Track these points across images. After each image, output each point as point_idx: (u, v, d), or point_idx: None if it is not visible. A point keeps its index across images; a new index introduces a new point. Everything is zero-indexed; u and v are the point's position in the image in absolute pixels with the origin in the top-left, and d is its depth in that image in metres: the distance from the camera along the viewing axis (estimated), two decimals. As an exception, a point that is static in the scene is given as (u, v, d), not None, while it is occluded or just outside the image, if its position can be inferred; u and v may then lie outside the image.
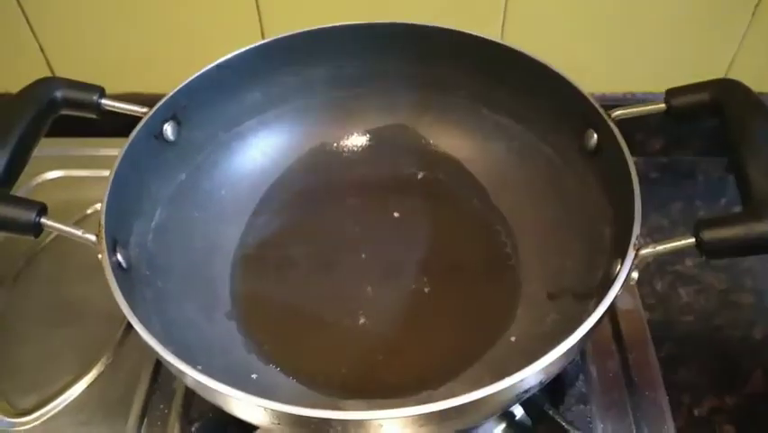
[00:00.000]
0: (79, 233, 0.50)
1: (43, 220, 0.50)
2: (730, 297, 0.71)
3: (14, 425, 0.59)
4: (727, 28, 0.76)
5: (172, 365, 0.44)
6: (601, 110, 0.57)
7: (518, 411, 0.59)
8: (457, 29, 0.64)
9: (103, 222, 0.50)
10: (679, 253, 0.73)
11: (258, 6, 0.76)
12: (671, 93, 0.56)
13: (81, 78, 0.58)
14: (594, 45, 0.78)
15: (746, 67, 0.78)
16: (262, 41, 0.65)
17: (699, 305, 0.70)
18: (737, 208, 0.76)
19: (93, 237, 0.50)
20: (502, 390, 0.42)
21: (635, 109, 0.57)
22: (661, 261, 0.74)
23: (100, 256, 0.49)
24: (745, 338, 0.68)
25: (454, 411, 0.42)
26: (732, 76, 0.77)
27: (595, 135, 0.59)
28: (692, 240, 0.47)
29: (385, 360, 0.59)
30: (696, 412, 0.62)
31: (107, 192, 0.52)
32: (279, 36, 0.65)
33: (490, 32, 0.75)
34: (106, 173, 0.54)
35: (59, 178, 0.79)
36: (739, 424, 0.62)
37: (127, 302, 0.47)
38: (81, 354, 0.63)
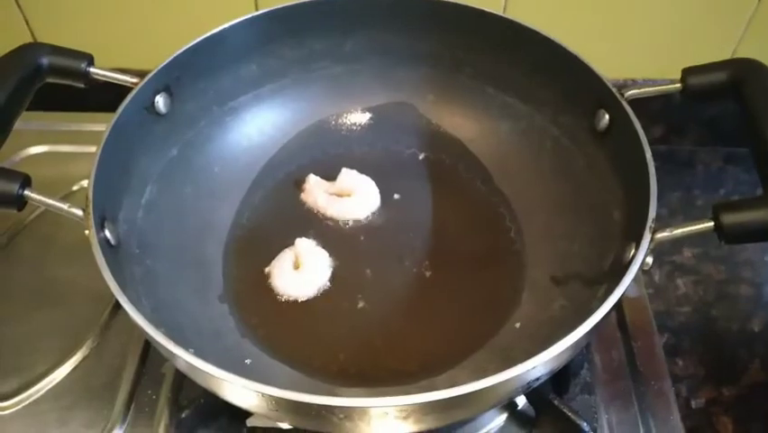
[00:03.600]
0: (65, 207, 0.48)
1: (27, 192, 0.47)
2: (728, 288, 0.70)
3: (-6, 409, 0.57)
4: (733, 13, 0.74)
5: (163, 347, 0.42)
6: (614, 89, 0.55)
7: (521, 401, 0.57)
8: (465, 3, 0.62)
9: (90, 196, 0.48)
10: (677, 243, 0.73)
11: (253, -23, 0.73)
12: (687, 72, 0.54)
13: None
14: (594, 31, 0.76)
15: (752, 52, 0.76)
16: (258, 12, 0.62)
17: (698, 296, 0.69)
18: (736, 198, 0.77)
19: (80, 212, 0.47)
20: (510, 378, 0.40)
21: (649, 89, 0.56)
22: (659, 251, 0.73)
23: (87, 232, 0.47)
24: (743, 330, 0.67)
25: (460, 400, 0.40)
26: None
27: (606, 116, 0.57)
28: (711, 224, 0.46)
29: (384, 346, 0.57)
30: (693, 404, 0.62)
31: (95, 165, 0.50)
32: (275, 7, 0.63)
33: (494, 7, 0.73)
34: (94, 149, 0.51)
35: (44, 153, 0.76)
36: (737, 415, 0.61)
37: (116, 280, 0.44)
38: (65, 337, 0.61)
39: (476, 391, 0.39)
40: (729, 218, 0.45)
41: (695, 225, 0.46)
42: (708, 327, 0.67)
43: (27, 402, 0.57)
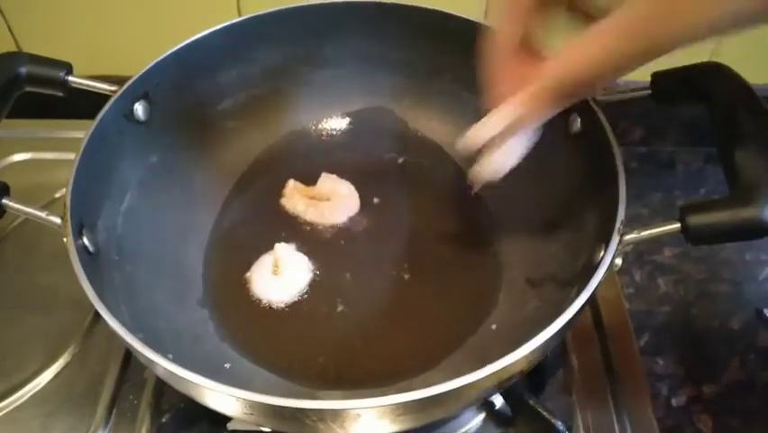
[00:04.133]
0: (43, 215, 0.48)
1: (5, 201, 0.48)
2: (708, 287, 0.71)
3: (-25, 416, 0.57)
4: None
5: (141, 354, 0.42)
6: (586, 94, 0.56)
7: (498, 401, 0.58)
8: (441, 9, 0.63)
9: (68, 203, 0.48)
10: (658, 243, 0.74)
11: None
12: (656, 76, 0.55)
13: (49, 56, 0.56)
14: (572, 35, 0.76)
15: (730, 54, 0.77)
16: (237, 19, 0.63)
17: (678, 295, 0.70)
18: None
19: (58, 220, 0.48)
20: (482, 378, 0.41)
21: (619, 94, 0.56)
22: (640, 250, 0.74)
23: (65, 240, 0.47)
24: (723, 328, 0.68)
25: (433, 400, 0.40)
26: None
27: (579, 119, 0.58)
28: (677, 225, 0.46)
29: (363, 348, 0.57)
30: (674, 402, 0.62)
31: (73, 173, 0.50)
32: (255, 14, 0.63)
33: (473, 13, 0.73)
34: (75, 156, 0.52)
35: (26, 160, 0.76)
36: (716, 414, 0.62)
37: (94, 288, 0.45)
38: (47, 344, 0.61)
39: (448, 391, 0.40)
40: (695, 219, 0.46)
41: (662, 226, 0.47)
42: (688, 326, 0.68)
43: (9, 409, 0.57)
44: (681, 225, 0.46)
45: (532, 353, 0.42)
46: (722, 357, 0.65)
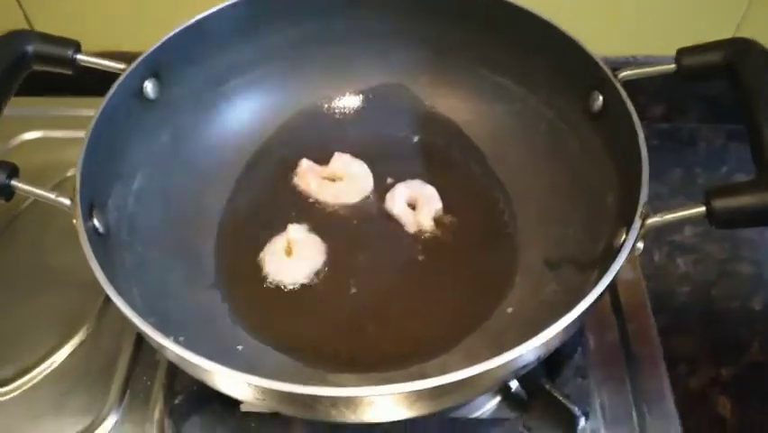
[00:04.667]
0: (53, 196, 0.47)
1: (14, 183, 0.47)
2: (729, 267, 0.69)
3: (-9, 395, 0.57)
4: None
5: (152, 339, 0.42)
6: (608, 70, 0.54)
7: (514, 384, 0.57)
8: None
9: (78, 185, 0.48)
10: (678, 223, 0.72)
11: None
12: (681, 53, 0.53)
13: (59, 32, 0.55)
14: (595, 6, 0.74)
15: (754, 30, 0.74)
16: (249, -6, 0.61)
17: (698, 275, 0.69)
18: (739, 176, 0.77)
19: (67, 201, 0.47)
20: (499, 366, 0.40)
21: (642, 70, 0.54)
22: (659, 229, 0.73)
23: (75, 221, 0.46)
24: (744, 309, 0.66)
25: (449, 387, 0.40)
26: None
27: (600, 97, 0.56)
28: (702, 209, 0.45)
29: (376, 331, 0.57)
30: (692, 384, 0.61)
31: (82, 154, 0.50)
32: (268, -12, 0.62)
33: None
34: (87, 134, 0.51)
35: (37, 139, 0.76)
36: (736, 396, 0.61)
37: (104, 270, 0.44)
38: (61, 323, 0.61)
39: (465, 379, 0.39)
40: (721, 203, 0.44)
41: (686, 210, 0.46)
42: (708, 307, 0.66)
43: (24, 388, 0.58)
44: (707, 209, 0.45)
45: (550, 340, 0.41)
46: (742, 339, 0.64)
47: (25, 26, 0.78)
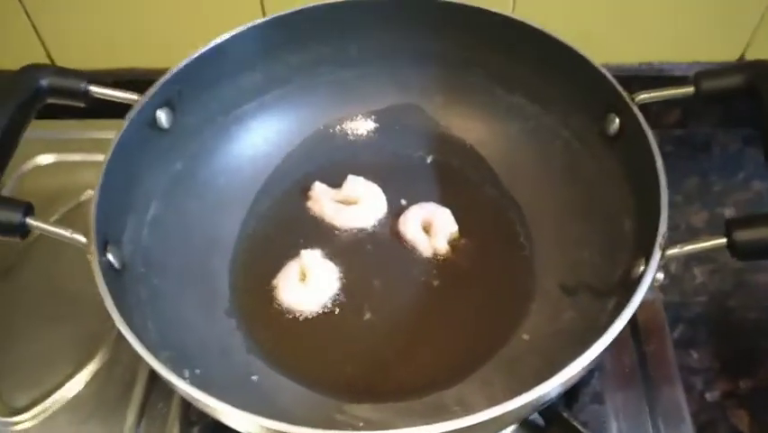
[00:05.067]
0: (68, 234, 0.48)
1: (29, 221, 0.48)
2: (746, 277, 0.68)
3: (9, 424, 0.58)
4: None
5: (163, 376, 0.42)
6: (625, 94, 0.54)
7: (531, 412, 0.57)
8: (471, 4, 0.61)
9: (93, 222, 0.48)
10: (694, 231, 0.71)
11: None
12: (700, 76, 0.53)
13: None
14: (610, 13, 0.74)
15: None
16: (262, 20, 0.61)
17: (714, 285, 0.68)
18: (758, 183, 0.75)
19: (83, 238, 0.48)
20: (521, 405, 0.40)
21: (660, 93, 0.54)
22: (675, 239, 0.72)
23: (90, 257, 0.47)
24: (761, 320, 0.65)
25: (470, 427, 0.39)
26: (755, 43, 0.74)
27: (617, 120, 0.56)
28: (723, 240, 0.45)
29: (392, 359, 0.56)
30: (708, 397, 0.61)
31: (98, 189, 0.50)
32: (280, 13, 0.62)
33: (502, 7, 0.71)
34: (100, 157, 0.51)
35: (50, 163, 0.76)
36: (753, 409, 0.60)
37: (119, 306, 0.45)
38: (77, 350, 0.61)
39: (488, 419, 0.39)
40: (743, 235, 0.44)
41: (707, 241, 0.46)
42: (725, 318, 0.66)
43: (42, 417, 0.58)
44: (728, 241, 0.45)
45: (572, 377, 0.41)
46: (760, 350, 0.63)
47: (38, 44, 0.79)
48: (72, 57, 0.76)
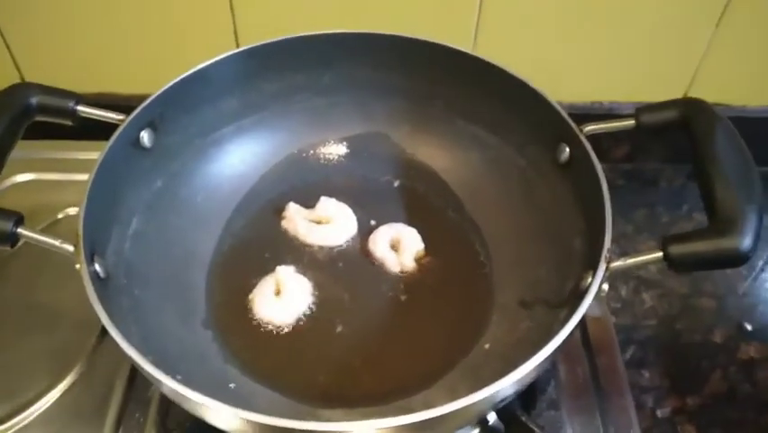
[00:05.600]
0: (57, 243, 0.50)
1: (20, 230, 0.49)
2: (691, 301, 0.73)
3: (-17, 437, 0.58)
4: (692, 39, 0.78)
5: (153, 377, 0.44)
6: (574, 125, 0.59)
7: (491, 417, 0.59)
8: (435, 41, 0.65)
9: (81, 232, 0.50)
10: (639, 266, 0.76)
11: (232, 10, 0.75)
12: (640, 110, 0.57)
13: (51, 77, 0.57)
14: (564, 56, 0.79)
15: (711, 75, 0.81)
16: (239, 49, 0.65)
17: (662, 309, 0.72)
18: (699, 215, 0.79)
19: (71, 248, 0.49)
20: (479, 400, 0.43)
21: (605, 125, 0.59)
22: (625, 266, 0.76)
23: (78, 266, 0.49)
24: (706, 341, 0.70)
25: (433, 421, 0.42)
26: (696, 85, 0.81)
27: (567, 149, 0.60)
28: (660, 254, 0.49)
29: (363, 367, 0.59)
30: (659, 413, 0.64)
31: (84, 203, 0.52)
32: (258, 44, 0.65)
33: (462, 36, 0.75)
34: (78, 177, 0.54)
35: (29, 181, 0.77)
36: (700, 424, 0.64)
37: (106, 313, 0.46)
38: (53, 363, 0.62)
39: (447, 413, 0.42)
40: (677, 249, 0.49)
41: (645, 255, 0.50)
42: (672, 340, 0.70)
43: (16, 428, 0.58)
44: (664, 254, 0.49)
45: (525, 376, 0.45)
46: (705, 369, 0.67)
47: (13, 69, 0.81)
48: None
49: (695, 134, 0.54)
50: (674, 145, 0.85)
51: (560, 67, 0.80)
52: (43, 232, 0.51)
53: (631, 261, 0.50)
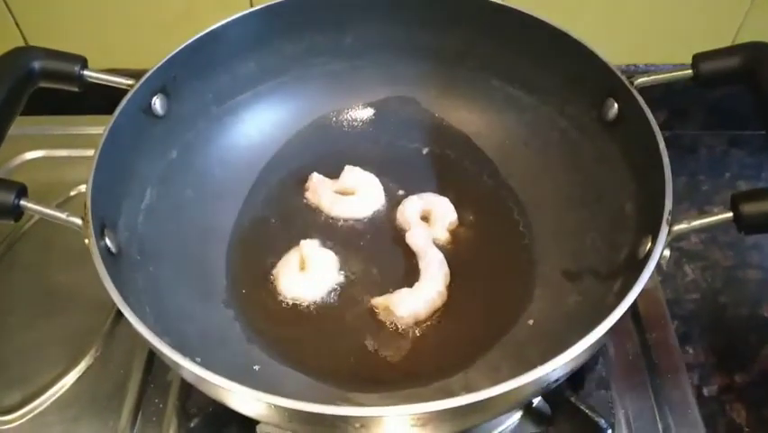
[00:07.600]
0: (64, 216, 0.46)
1: (23, 202, 0.46)
2: (736, 273, 0.70)
3: (-1, 423, 0.56)
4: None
5: (169, 358, 0.41)
6: (624, 78, 0.54)
7: (536, 399, 0.56)
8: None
9: (89, 204, 0.47)
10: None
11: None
12: (698, 58, 0.53)
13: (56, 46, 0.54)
14: (596, 17, 0.75)
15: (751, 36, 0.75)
16: (255, 8, 0.61)
17: (706, 282, 0.69)
18: (743, 182, 0.77)
19: (78, 221, 0.46)
20: (528, 382, 0.39)
21: (659, 76, 0.54)
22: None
23: (87, 241, 0.45)
24: (753, 315, 0.66)
25: (474, 406, 0.39)
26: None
27: (616, 105, 0.56)
28: (730, 214, 0.45)
29: (396, 348, 0.55)
30: (705, 391, 0.61)
31: (92, 171, 0.49)
32: (273, 2, 0.62)
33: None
34: (90, 153, 0.50)
35: (39, 158, 0.75)
36: (750, 402, 0.60)
37: (118, 290, 0.43)
38: (68, 346, 0.60)
39: (494, 397, 0.38)
40: (749, 208, 0.44)
41: (714, 215, 0.46)
42: (717, 314, 0.67)
43: (32, 415, 0.57)
44: (734, 214, 0.45)
45: (582, 354, 0.41)
46: (753, 345, 0.64)
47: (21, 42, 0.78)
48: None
49: (761, 81, 0.49)
50: (715, 111, 0.81)
51: (597, 25, 0.74)
52: (46, 204, 0.47)
53: (697, 223, 0.45)
